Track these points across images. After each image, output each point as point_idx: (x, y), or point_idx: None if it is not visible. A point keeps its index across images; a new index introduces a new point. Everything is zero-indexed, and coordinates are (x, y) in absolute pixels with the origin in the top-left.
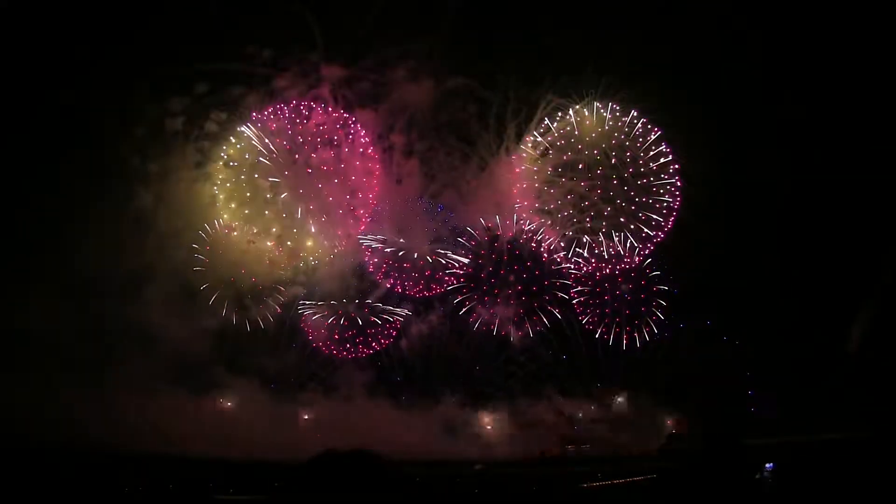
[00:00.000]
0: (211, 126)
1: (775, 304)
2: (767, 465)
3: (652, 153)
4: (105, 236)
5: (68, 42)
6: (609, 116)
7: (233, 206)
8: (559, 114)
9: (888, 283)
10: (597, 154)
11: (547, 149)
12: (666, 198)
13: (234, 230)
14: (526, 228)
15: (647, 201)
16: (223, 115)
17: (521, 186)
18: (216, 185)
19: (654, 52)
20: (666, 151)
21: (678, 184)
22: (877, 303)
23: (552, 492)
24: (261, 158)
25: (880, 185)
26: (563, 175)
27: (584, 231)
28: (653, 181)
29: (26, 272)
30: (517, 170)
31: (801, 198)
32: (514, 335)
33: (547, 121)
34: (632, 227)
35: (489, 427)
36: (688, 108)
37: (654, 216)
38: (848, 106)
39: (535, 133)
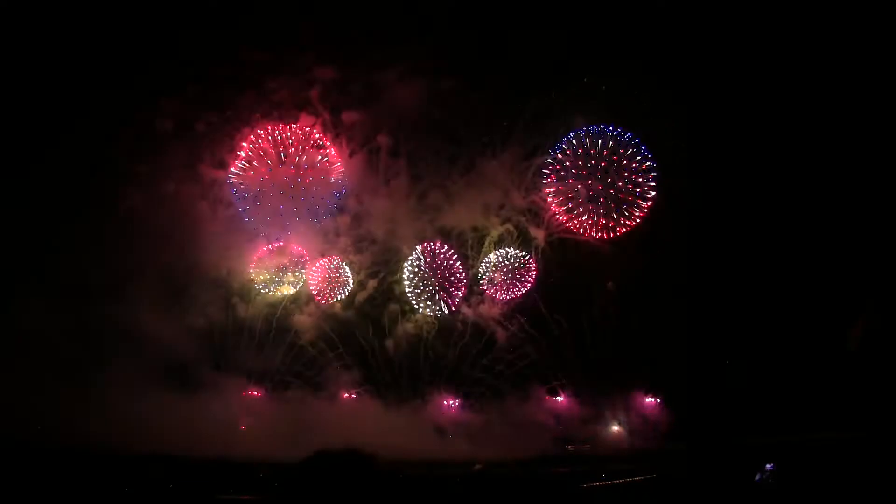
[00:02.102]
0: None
1: (774, 303)
2: (767, 466)
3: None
4: (95, 236)
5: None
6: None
7: None
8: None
9: (888, 284)
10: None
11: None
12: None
13: None
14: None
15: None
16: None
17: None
18: None
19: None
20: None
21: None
22: (877, 303)
23: (552, 492)
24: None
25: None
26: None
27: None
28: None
29: (21, 273)
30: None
31: (801, 197)
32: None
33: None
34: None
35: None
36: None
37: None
38: (847, 105)
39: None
